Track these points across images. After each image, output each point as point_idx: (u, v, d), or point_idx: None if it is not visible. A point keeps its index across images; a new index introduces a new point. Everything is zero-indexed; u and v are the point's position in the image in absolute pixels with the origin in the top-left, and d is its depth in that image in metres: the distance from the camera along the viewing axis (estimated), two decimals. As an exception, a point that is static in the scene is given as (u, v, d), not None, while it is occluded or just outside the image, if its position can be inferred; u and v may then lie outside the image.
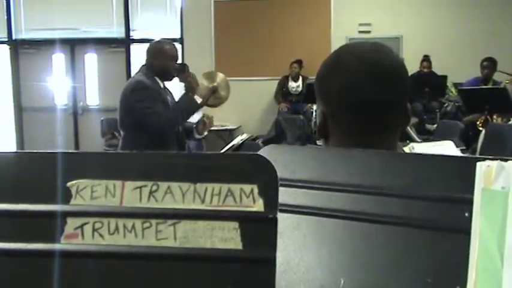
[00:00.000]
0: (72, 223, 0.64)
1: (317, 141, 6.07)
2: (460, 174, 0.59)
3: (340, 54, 1.08)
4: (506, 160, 0.56)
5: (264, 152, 0.66)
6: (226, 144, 4.00)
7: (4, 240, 0.64)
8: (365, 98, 1.00)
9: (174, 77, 3.54)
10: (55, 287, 0.63)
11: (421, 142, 3.05)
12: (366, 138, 1.01)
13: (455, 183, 0.59)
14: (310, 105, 7.94)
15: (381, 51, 1.05)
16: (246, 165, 0.63)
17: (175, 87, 3.93)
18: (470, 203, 0.57)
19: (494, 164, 0.56)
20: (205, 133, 3.85)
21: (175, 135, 3.55)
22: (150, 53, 3.52)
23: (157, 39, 3.78)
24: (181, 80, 3.60)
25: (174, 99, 3.71)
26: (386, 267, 0.62)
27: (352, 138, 1.02)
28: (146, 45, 3.66)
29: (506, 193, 0.54)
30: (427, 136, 6.38)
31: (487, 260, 0.54)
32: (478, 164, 0.57)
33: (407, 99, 1.07)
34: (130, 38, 9.02)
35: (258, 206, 0.62)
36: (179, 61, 3.72)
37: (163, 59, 3.47)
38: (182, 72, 3.56)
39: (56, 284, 0.63)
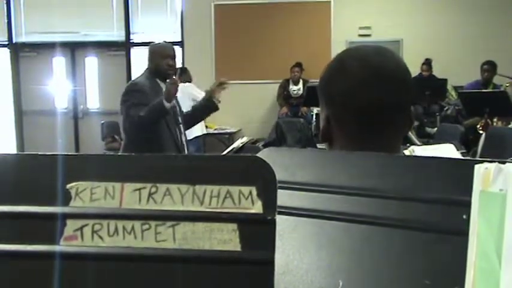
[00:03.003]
0: (71, 225, 0.64)
1: (317, 145, 6.07)
2: (458, 176, 0.59)
3: (343, 57, 1.08)
4: (504, 162, 0.56)
5: (263, 154, 0.66)
6: (227, 148, 4.00)
7: (3, 241, 0.64)
8: (369, 102, 1.00)
9: (169, 75, 3.53)
10: (54, 289, 0.63)
11: (421, 145, 3.04)
12: (369, 141, 1.01)
13: (453, 186, 0.60)
14: (307, 108, 7.99)
15: (384, 55, 1.05)
16: (245, 167, 0.63)
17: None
18: (468, 205, 0.57)
19: (492, 167, 0.56)
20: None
21: (173, 142, 3.56)
22: (147, 56, 3.59)
23: (165, 40, 3.84)
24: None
25: (177, 102, 3.74)
26: (384, 269, 0.62)
27: (356, 142, 1.02)
28: (146, 49, 3.71)
29: (504, 195, 0.54)
30: (428, 139, 6.38)
31: (485, 261, 0.54)
32: (476, 166, 0.57)
33: (410, 103, 1.07)
34: (131, 41, 9.03)
35: (257, 207, 0.62)
36: (179, 64, 3.75)
37: (155, 58, 3.53)
38: (184, 73, 3.61)
39: (55, 286, 0.63)
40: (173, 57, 3.59)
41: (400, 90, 1.03)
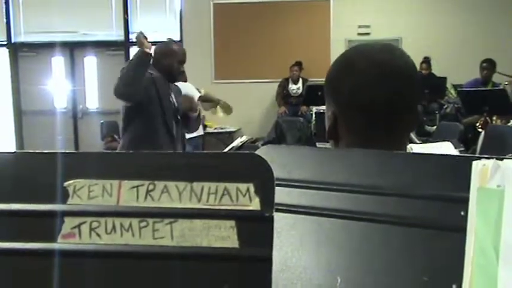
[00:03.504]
0: (69, 222, 0.64)
1: (317, 143, 6.07)
2: (456, 173, 0.59)
3: (350, 55, 1.07)
4: (501, 159, 0.56)
5: (261, 151, 0.66)
6: (226, 147, 4.01)
7: (1, 239, 0.64)
8: (376, 99, 1.00)
9: (176, 79, 3.58)
10: (52, 287, 0.63)
11: (420, 143, 3.04)
12: (376, 139, 1.01)
13: (451, 182, 0.60)
14: (307, 107, 7.99)
15: (392, 52, 1.04)
16: (243, 164, 0.63)
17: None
18: (466, 201, 0.57)
19: (490, 163, 0.56)
20: (196, 113, 3.82)
21: (165, 128, 3.55)
22: (160, 51, 3.54)
23: (164, 39, 3.82)
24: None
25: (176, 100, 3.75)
26: (383, 266, 0.62)
27: (362, 140, 1.02)
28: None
29: (501, 191, 0.54)
30: (427, 138, 6.37)
31: (483, 257, 0.54)
32: (474, 162, 0.57)
33: (417, 100, 1.07)
34: (130, 40, 9.03)
35: (255, 204, 0.62)
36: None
37: (169, 58, 3.50)
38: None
39: (53, 283, 0.63)
40: (184, 62, 3.62)
41: (407, 87, 1.02)
